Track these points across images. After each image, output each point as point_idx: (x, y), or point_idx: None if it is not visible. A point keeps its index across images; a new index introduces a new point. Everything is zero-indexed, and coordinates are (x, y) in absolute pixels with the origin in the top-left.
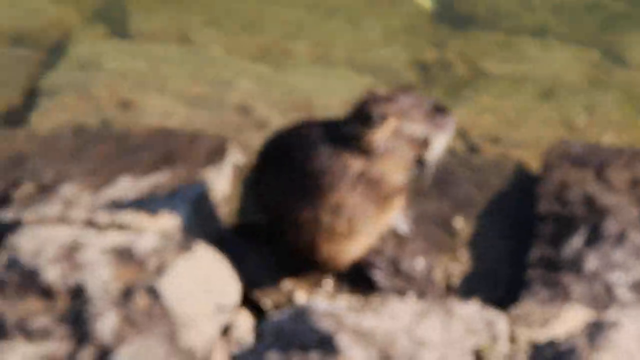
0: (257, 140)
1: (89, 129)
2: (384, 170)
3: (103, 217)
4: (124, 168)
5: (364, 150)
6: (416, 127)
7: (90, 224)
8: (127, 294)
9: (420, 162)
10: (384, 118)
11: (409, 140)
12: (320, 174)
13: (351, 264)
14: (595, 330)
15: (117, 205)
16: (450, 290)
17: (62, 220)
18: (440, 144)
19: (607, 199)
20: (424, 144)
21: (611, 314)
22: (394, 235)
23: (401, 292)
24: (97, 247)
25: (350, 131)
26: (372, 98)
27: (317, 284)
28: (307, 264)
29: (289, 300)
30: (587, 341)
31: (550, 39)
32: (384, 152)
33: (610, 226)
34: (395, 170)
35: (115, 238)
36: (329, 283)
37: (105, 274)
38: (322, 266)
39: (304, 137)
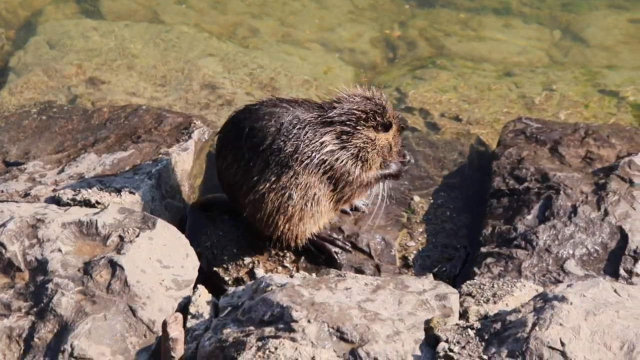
0: (222, 117)
1: (55, 106)
2: (353, 163)
3: (66, 193)
4: (88, 144)
5: (346, 141)
6: (395, 141)
7: (53, 200)
8: (87, 269)
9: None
10: (389, 128)
11: (385, 154)
12: (281, 154)
13: (310, 239)
14: (543, 305)
15: (81, 181)
16: (405, 265)
17: (26, 196)
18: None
19: (560, 174)
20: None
21: (559, 289)
22: (353, 212)
23: (358, 268)
24: (58, 222)
25: (348, 120)
26: (386, 104)
27: (275, 260)
28: (266, 239)
29: (248, 275)
30: (534, 315)
31: (512, 19)
32: (365, 152)
33: (563, 202)
34: (369, 165)
35: (77, 214)
36: (287, 258)
37: (66, 249)
38: (281, 242)
39: (273, 120)
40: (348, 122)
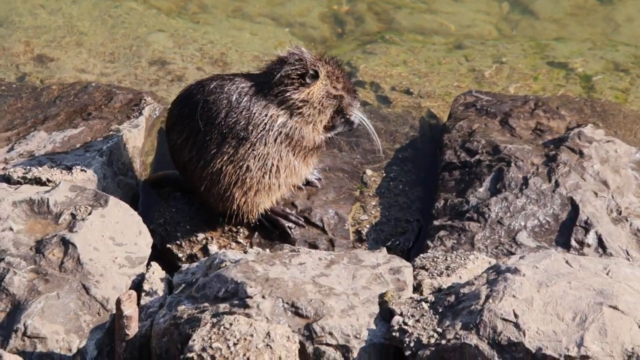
0: (172, 93)
1: (4, 84)
2: (306, 127)
3: (16, 172)
4: (38, 122)
5: (289, 106)
6: (338, 90)
7: (4, 178)
8: (39, 248)
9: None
10: (317, 76)
11: (331, 101)
12: (236, 127)
13: (263, 214)
14: (496, 277)
15: (31, 159)
16: (359, 240)
17: None
18: (356, 112)
19: (511, 147)
20: (340, 106)
21: (512, 261)
22: (306, 187)
23: (312, 243)
24: (9, 201)
25: (279, 85)
26: (300, 54)
27: (229, 236)
28: (219, 215)
29: (202, 251)
30: (487, 288)
31: None
32: (309, 109)
33: (514, 174)
34: (315, 128)
35: (28, 192)
36: (241, 234)
37: (17, 228)
38: (236, 217)
39: (224, 92)
40: (279, 91)
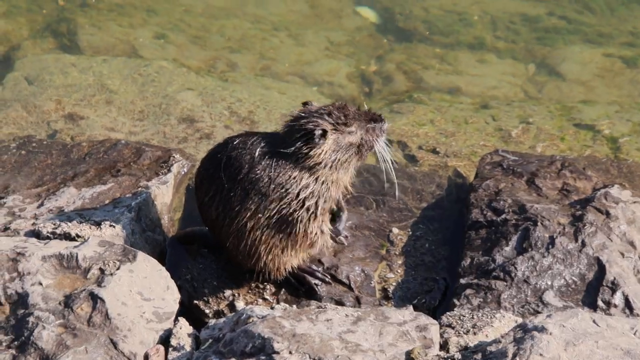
0: (201, 151)
1: (35, 140)
2: (328, 182)
3: (46, 227)
4: (68, 179)
5: (309, 169)
6: (352, 133)
7: (33, 233)
8: (68, 302)
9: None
10: (323, 133)
11: (347, 149)
12: (259, 183)
13: (290, 272)
14: (523, 336)
15: (61, 214)
16: (385, 297)
17: (6, 230)
18: (382, 147)
19: (537, 206)
20: (360, 150)
21: (539, 320)
22: (332, 244)
23: (338, 300)
24: (39, 256)
25: (291, 148)
26: (308, 114)
27: (256, 292)
28: (247, 272)
29: (229, 307)
30: (514, 346)
31: (487, 53)
32: (327, 164)
33: (540, 233)
34: (338, 181)
35: (57, 247)
36: (267, 291)
37: (46, 283)
38: (263, 274)
39: (247, 149)
40: (296, 151)
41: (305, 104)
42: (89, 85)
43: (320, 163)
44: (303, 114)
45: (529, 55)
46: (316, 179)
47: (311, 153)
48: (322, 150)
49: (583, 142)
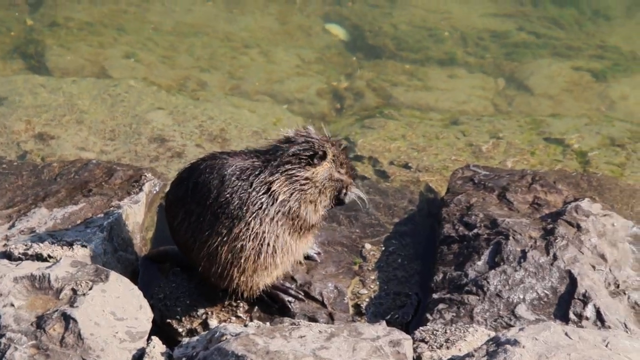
0: (172, 169)
1: (5, 162)
2: (305, 206)
3: (17, 248)
4: (39, 199)
5: (292, 183)
6: (341, 174)
7: (5, 254)
8: (40, 323)
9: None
10: (324, 157)
11: (332, 183)
12: (229, 206)
13: (264, 289)
14: (496, 349)
15: (33, 235)
16: (358, 313)
17: None
18: (355, 192)
19: (509, 220)
20: (340, 188)
21: (511, 333)
22: (305, 261)
23: (311, 317)
24: (10, 277)
25: (285, 164)
26: (312, 137)
27: (229, 310)
28: (220, 291)
29: (202, 325)
30: (487, 359)
31: (456, 68)
32: (312, 188)
33: (512, 247)
34: (317, 207)
35: (29, 268)
36: (240, 308)
37: (18, 304)
38: (236, 294)
39: (215, 173)
40: (285, 169)
41: (304, 127)
42: (59, 106)
43: (308, 180)
44: (303, 135)
45: (498, 70)
46: (294, 195)
47: (304, 169)
48: (316, 170)
49: (553, 156)
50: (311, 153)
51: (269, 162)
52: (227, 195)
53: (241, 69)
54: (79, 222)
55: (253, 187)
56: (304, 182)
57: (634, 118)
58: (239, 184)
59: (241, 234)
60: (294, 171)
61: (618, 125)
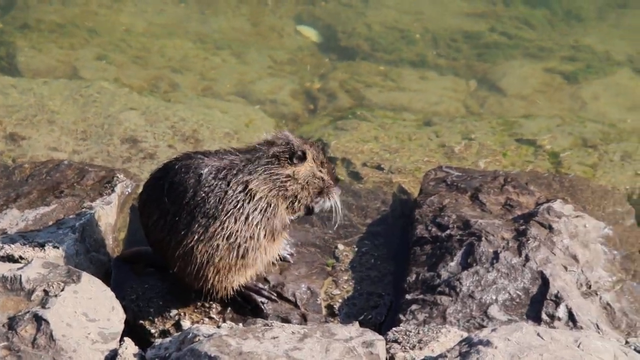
0: (145, 170)
1: None
2: (282, 205)
3: None
4: (10, 200)
5: (272, 181)
6: (322, 173)
7: None
8: (12, 325)
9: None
10: (304, 158)
11: (315, 180)
12: (205, 205)
13: (236, 290)
14: (469, 350)
15: (4, 236)
16: (331, 314)
17: None
18: (336, 197)
19: (481, 221)
20: (322, 188)
21: (484, 334)
22: (278, 262)
23: (284, 317)
24: None
25: (265, 165)
26: (291, 139)
27: (201, 311)
28: (194, 292)
29: (175, 326)
30: None
31: (428, 70)
32: (293, 184)
33: (484, 248)
34: (291, 208)
35: (0, 269)
36: (213, 309)
37: None
38: (210, 294)
39: (191, 172)
40: (264, 169)
41: (280, 131)
42: (30, 106)
43: (289, 178)
44: (282, 137)
45: (470, 72)
46: (272, 192)
47: (284, 168)
48: (297, 169)
49: (525, 157)
50: (291, 153)
51: (248, 162)
52: (203, 194)
53: (213, 70)
54: (50, 223)
55: (230, 185)
56: (285, 179)
57: (605, 119)
58: (216, 183)
59: (216, 233)
60: (273, 170)
61: (590, 126)
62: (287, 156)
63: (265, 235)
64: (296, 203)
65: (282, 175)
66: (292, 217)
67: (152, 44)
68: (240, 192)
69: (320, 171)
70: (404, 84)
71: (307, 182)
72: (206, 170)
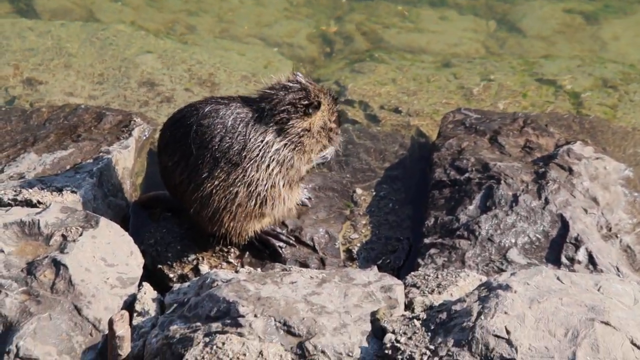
0: (162, 114)
1: None
2: (299, 157)
3: (7, 194)
4: (28, 144)
5: (288, 134)
6: (332, 123)
7: None
8: (31, 269)
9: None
10: (319, 107)
11: (325, 132)
12: (230, 152)
13: (254, 235)
14: (488, 294)
15: (22, 181)
16: (350, 258)
17: None
18: (339, 142)
19: (500, 164)
20: (330, 137)
21: (503, 278)
22: (296, 206)
23: (302, 262)
24: (0, 223)
25: (281, 113)
26: (306, 85)
27: (220, 256)
28: (210, 236)
29: (193, 271)
30: (479, 304)
31: (447, 10)
32: (309, 139)
33: (504, 191)
34: (308, 158)
35: (19, 214)
36: (231, 254)
37: (8, 250)
38: (226, 239)
39: (220, 117)
40: (280, 119)
41: (294, 74)
42: (47, 49)
43: (306, 132)
44: (298, 82)
45: (490, 12)
46: (289, 146)
47: (301, 120)
48: (312, 120)
49: (545, 97)
50: (307, 102)
51: (264, 111)
52: (229, 140)
53: (230, 12)
54: (68, 167)
55: (252, 135)
56: (302, 133)
57: (625, 59)
58: (241, 130)
59: (237, 179)
60: (291, 122)
61: (610, 67)
62: (303, 104)
63: (283, 184)
64: (311, 154)
65: (299, 129)
66: (307, 167)
67: None
68: (260, 141)
69: (330, 120)
70: (423, 24)
71: (320, 135)
72: (232, 117)
